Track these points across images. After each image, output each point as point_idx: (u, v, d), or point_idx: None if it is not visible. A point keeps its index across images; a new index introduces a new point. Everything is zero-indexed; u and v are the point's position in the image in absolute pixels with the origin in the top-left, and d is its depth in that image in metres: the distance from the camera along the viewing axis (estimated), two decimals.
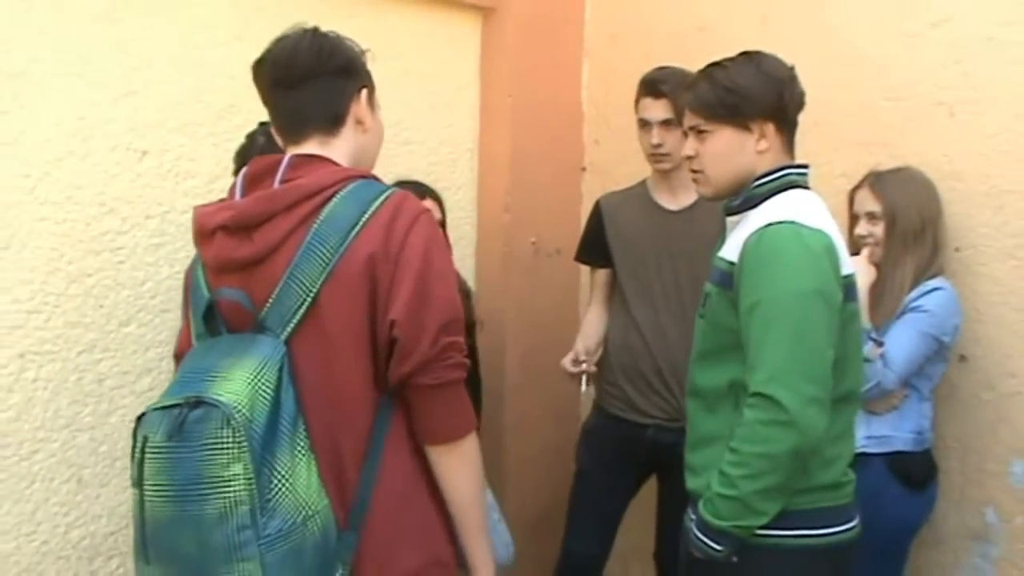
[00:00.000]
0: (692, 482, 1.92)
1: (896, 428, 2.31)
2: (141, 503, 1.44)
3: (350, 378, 1.51)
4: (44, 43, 2.16)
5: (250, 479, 1.38)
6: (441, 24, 3.11)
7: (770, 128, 1.87)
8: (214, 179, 2.44)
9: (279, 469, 1.42)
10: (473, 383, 2.94)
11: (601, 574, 2.79)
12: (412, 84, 3.07)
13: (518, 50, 3.17)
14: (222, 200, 1.62)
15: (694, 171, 1.95)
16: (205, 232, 1.57)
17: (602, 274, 2.80)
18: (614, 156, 3.26)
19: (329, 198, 1.51)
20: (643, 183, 2.75)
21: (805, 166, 1.93)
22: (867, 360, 2.15)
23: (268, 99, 1.63)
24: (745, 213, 1.89)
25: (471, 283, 3.22)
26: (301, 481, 1.44)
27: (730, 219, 1.95)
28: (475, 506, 1.63)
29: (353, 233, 1.49)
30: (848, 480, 1.87)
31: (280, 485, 1.41)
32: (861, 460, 2.01)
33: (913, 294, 2.30)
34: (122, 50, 2.28)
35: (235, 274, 1.54)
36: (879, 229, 2.35)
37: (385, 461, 1.54)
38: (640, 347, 2.64)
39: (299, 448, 1.45)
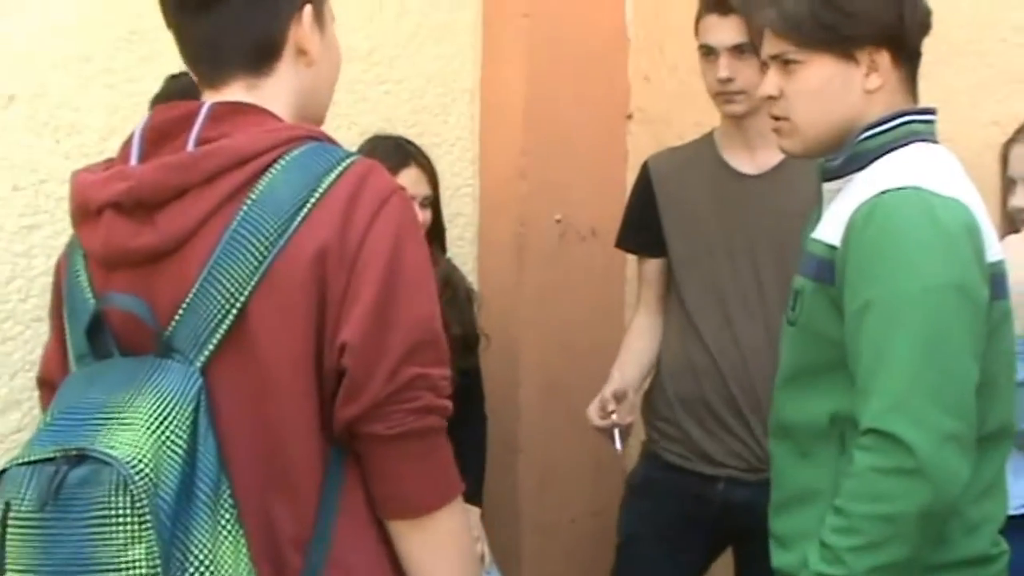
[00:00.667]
0: (780, 558, 1.93)
1: None
2: None
3: (291, 422, 1.49)
4: None
5: (155, 567, 1.34)
6: None
7: (884, 58, 1.87)
8: (108, 135, 2.45)
9: (195, 552, 1.39)
10: (475, 424, 2.95)
11: None
12: (389, 2, 3.10)
13: None
14: (111, 163, 1.57)
15: (776, 118, 1.96)
16: (88, 210, 1.52)
17: (653, 266, 2.82)
18: (671, 99, 3.28)
19: (265, 167, 1.48)
20: (710, 136, 2.76)
21: (932, 111, 1.93)
22: None
23: (172, 23, 1.59)
24: (850, 176, 1.90)
25: (472, 279, 3.23)
26: (225, 569, 1.41)
27: (828, 185, 1.95)
28: None
29: (298, 219, 1.46)
30: (1000, 552, 1.86)
31: (198, 574, 1.39)
32: (1017, 524, 2.01)
33: None
34: None
35: (131, 271, 1.50)
36: None
37: (338, 536, 1.51)
38: (707, 369, 2.65)
39: (223, 521, 1.42)
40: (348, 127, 3.03)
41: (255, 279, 1.45)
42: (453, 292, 2.85)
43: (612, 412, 2.58)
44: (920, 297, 1.72)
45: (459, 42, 3.25)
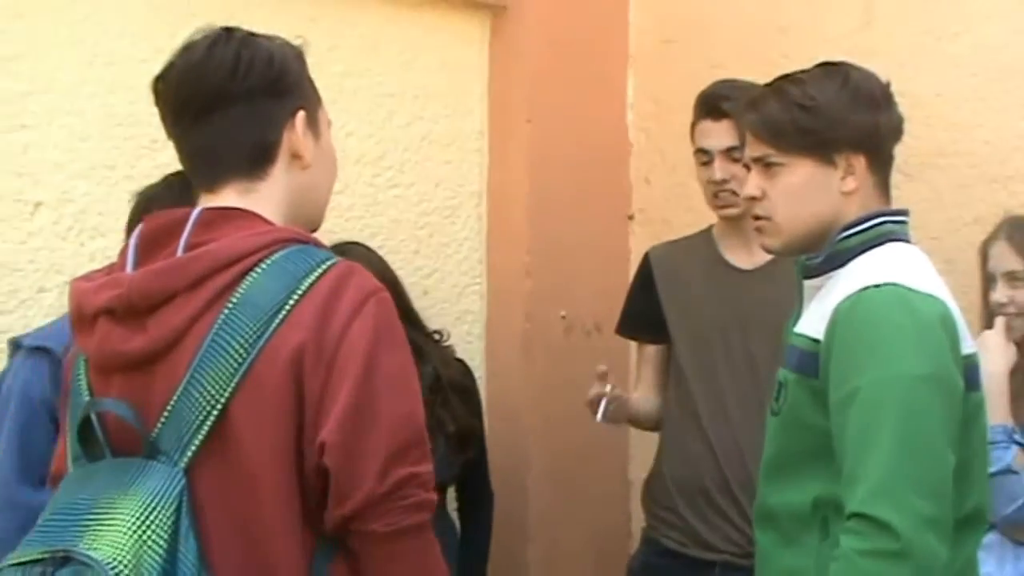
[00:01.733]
0: None
1: None
2: None
3: (274, 520, 1.46)
4: None
5: None
6: (437, 30, 3.21)
7: (861, 162, 1.90)
8: None
9: None
10: (480, 511, 2.97)
11: None
12: (399, 108, 3.17)
13: (539, 60, 3.27)
14: (110, 270, 1.58)
15: (757, 217, 1.98)
16: (84, 316, 1.52)
17: (652, 350, 2.84)
18: (671, 199, 3.30)
19: (248, 270, 1.47)
20: (707, 232, 2.79)
21: (905, 212, 1.96)
22: (1010, 472, 2.13)
23: (171, 133, 1.61)
24: (830, 274, 1.92)
25: (480, 374, 3.26)
26: None
27: (809, 283, 1.96)
28: None
29: (276, 320, 1.46)
30: None
31: None
32: None
33: None
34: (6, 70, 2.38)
35: (125, 375, 1.50)
36: (1023, 294, 2.36)
37: None
38: (703, 455, 2.66)
39: None
40: (361, 229, 3.08)
41: (235, 381, 1.44)
42: (444, 393, 2.85)
43: (604, 385, 2.56)
44: (898, 386, 1.74)
45: (466, 147, 3.31)
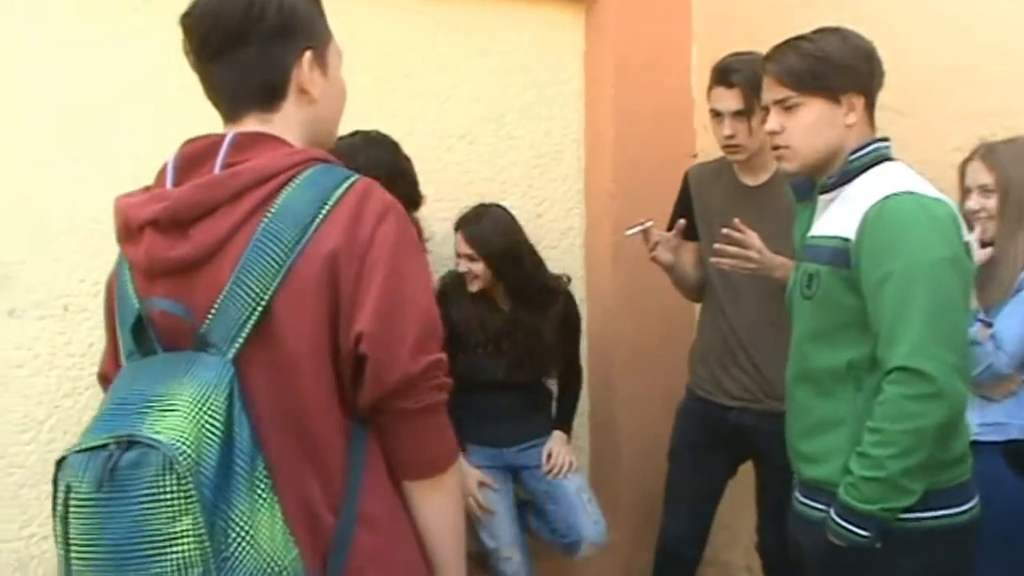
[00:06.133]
0: (812, 471, 1.93)
1: (1012, 415, 2.28)
2: (68, 568, 1.24)
3: (315, 403, 1.34)
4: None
5: (201, 535, 1.19)
6: (544, 17, 3.27)
7: (859, 103, 1.92)
8: None
9: (236, 520, 1.23)
10: (572, 380, 3.12)
11: (698, 555, 2.91)
12: (515, 78, 3.25)
13: (622, 39, 3.29)
14: (149, 188, 1.43)
15: (778, 147, 1.98)
16: (131, 228, 1.38)
17: (690, 245, 2.86)
18: None
19: (283, 185, 1.34)
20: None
21: (888, 139, 1.98)
22: (975, 343, 2.14)
23: (195, 68, 1.44)
24: (840, 188, 1.93)
25: (580, 272, 3.36)
26: (264, 532, 1.26)
27: (823, 197, 1.98)
28: (455, 547, 1.47)
29: (312, 227, 1.33)
30: (968, 453, 1.90)
31: (239, 540, 1.23)
32: (974, 448, 1.95)
33: None
34: None
35: (170, 279, 1.35)
36: (991, 202, 2.35)
37: (364, 496, 1.37)
38: (724, 328, 2.73)
39: (259, 492, 1.27)
40: (488, 169, 3.21)
41: (277, 280, 1.31)
42: (568, 328, 3.02)
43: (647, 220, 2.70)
44: (927, 268, 1.76)
45: (567, 107, 3.36)
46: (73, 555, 1.23)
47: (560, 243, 3.37)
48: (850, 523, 1.79)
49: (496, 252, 2.83)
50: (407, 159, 2.15)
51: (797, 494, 2.01)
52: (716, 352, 2.76)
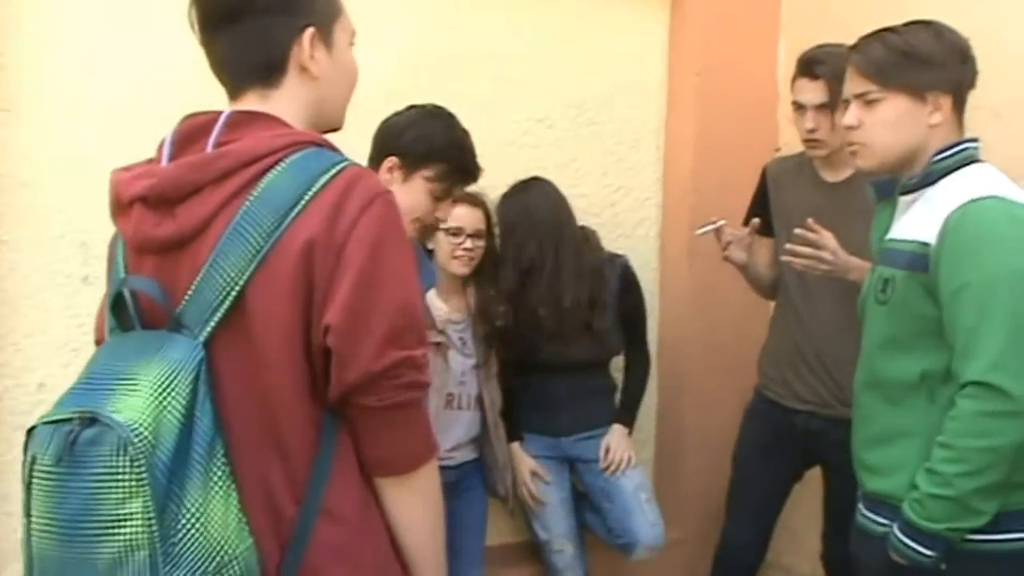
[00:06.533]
0: (877, 483, 1.88)
1: None
2: (28, 537, 1.25)
3: (284, 391, 1.32)
4: None
5: (150, 519, 1.18)
6: (630, 4, 3.24)
7: (946, 102, 1.84)
8: None
9: (188, 505, 1.22)
10: (639, 363, 3.05)
11: (758, 561, 2.86)
12: (598, 66, 3.23)
13: (708, 28, 3.25)
14: (149, 162, 1.41)
15: (853, 142, 1.91)
16: (122, 202, 1.37)
17: (767, 242, 2.81)
18: None
19: (268, 168, 1.32)
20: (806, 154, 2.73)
21: (977, 140, 1.89)
22: None
23: (200, 40, 1.43)
24: (922, 190, 1.86)
25: (654, 264, 3.33)
26: (215, 519, 1.24)
27: (904, 198, 1.90)
28: (430, 545, 1.45)
29: (292, 214, 1.30)
30: None
31: (189, 525, 1.22)
32: None
33: None
34: None
35: (156, 256, 1.35)
36: None
37: (330, 491, 1.35)
38: (797, 329, 2.66)
39: (215, 478, 1.25)
40: (566, 154, 3.19)
41: (252, 267, 1.29)
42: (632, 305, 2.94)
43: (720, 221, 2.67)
44: (1009, 279, 1.69)
45: (648, 95, 3.34)
46: (33, 524, 1.24)
47: (634, 233, 3.35)
48: (914, 541, 1.74)
49: (541, 224, 2.79)
50: (464, 132, 2.16)
51: (860, 506, 1.95)
52: (787, 354, 2.70)
